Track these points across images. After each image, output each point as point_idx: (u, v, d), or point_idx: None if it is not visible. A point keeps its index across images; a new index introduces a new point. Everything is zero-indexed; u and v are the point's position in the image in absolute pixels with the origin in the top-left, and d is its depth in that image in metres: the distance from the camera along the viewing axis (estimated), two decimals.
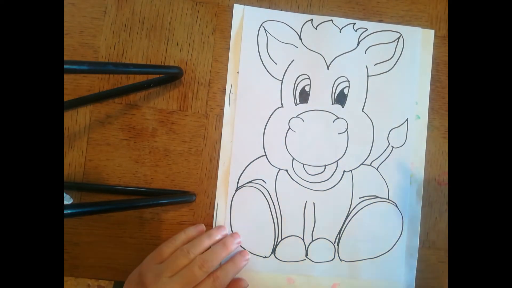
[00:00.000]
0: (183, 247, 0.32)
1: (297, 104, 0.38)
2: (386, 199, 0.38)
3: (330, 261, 0.37)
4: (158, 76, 0.37)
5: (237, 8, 0.38)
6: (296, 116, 0.38)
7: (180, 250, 0.32)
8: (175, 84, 0.38)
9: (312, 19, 0.38)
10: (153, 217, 0.37)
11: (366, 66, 0.38)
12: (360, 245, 0.37)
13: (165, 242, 0.33)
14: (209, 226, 0.37)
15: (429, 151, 0.38)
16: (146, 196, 0.37)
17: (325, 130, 0.38)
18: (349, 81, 0.38)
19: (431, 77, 0.39)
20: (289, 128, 0.38)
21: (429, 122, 0.38)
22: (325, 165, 0.38)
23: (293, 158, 0.38)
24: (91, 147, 0.37)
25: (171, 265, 0.30)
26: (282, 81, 0.38)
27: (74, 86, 0.37)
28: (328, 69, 0.38)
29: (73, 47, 0.37)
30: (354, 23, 0.39)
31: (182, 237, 0.34)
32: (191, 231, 0.35)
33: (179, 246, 0.33)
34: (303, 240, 0.37)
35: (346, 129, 0.38)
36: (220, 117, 0.38)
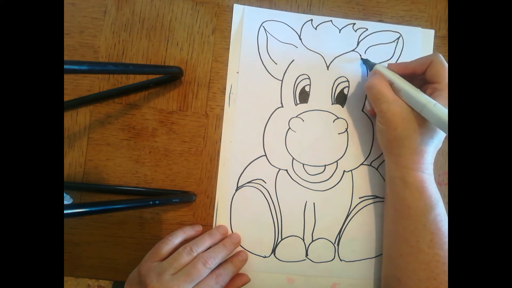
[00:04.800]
0: (186, 245, 0.32)
1: (297, 104, 0.38)
2: None
3: (330, 261, 0.37)
4: (158, 76, 0.37)
5: (237, 8, 0.38)
6: (296, 116, 0.38)
7: (183, 248, 0.32)
8: (175, 84, 0.38)
9: (312, 19, 0.38)
10: (153, 217, 0.37)
11: (366, 66, 0.38)
12: (360, 245, 0.37)
13: (162, 240, 0.33)
14: (209, 226, 0.37)
15: None
16: (146, 196, 0.37)
17: (325, 130, 0.38)
18: (348, 81, 0.38)
19: None
20: (289, 128, 0.38)
21: None
22: (325, 165, 0.38)
23: (293, 158, 0.38)
24: (91, 147, 0.37)
25: (173, 263, 0.30)
26: (282, 81, 0.38)
27: (74, 86, 0.37)
28: (328, 69, 0.38)
29: (73, 47, 0.37)
30: (354, 24, 0.39)
31: (179, 235, 0.34)
32: (189, 230, 0.35)
33: (177, 244, 0.33)
34: (303, 240, 0.37)
35: (346, 129, 0.38)
36: (220, 117, 0.38)
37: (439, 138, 0.32)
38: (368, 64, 0.37)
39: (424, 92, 0.31)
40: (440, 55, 0.32)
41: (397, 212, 0.33)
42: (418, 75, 0.33)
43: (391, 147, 0.33)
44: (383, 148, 0.35)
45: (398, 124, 0.31)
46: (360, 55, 0.38)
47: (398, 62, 0.38)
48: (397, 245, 0.33)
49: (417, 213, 0.31)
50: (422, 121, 0.30)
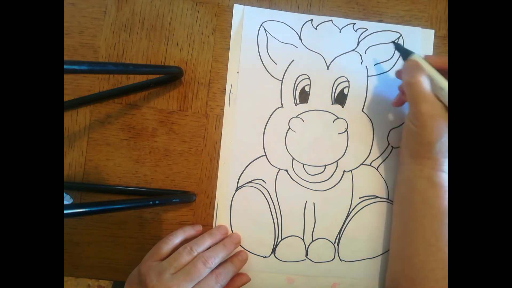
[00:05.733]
0: (186, 245, 0.32)
1: (297, 104, 0.38)
2: (386, 199, 0.38)
3: (330, 261, 0.37)
4: (158, 76, 0.37)
5: (237, 8, 0.38)
6: (296, 116, 0.38)
7: (183, 248, 0.32)
8: (175, 84, 0.38)
9: (312, 19, 0.38)
10: (153, 217, 0.37)
11: (366, 66, 0.38)
12: (360, 245, 0.37)
13: (162, 239, 0.33)
14: (209, 226, 0.37)
15: None
16: (146, 196, 0.37)
17: (325, 130, 0.38)
18: (349, 81, 0.38)
19: None
20: (289, 128, 0.38)
21: None
22: (325, 165, 0.38)
23: (293, 158, 0.38)
24: (91, 147, 0.37)
25: (174, 262, 0.31)
26: (282, 81, 0.38)
27: (74, 86, 0.37)
28: (328, 69, 0.38)
29: (73, 47, 0.37)
30: (354, 23, 0.39)
31: (180, 235, 0.34)
32: (189, 230, 0.35)
33: (177, 244, 0.33)
34: (303, 240, 0.37)
35: (346, 129, 0.38)
36: (220, 117, 0.38)
37: None
38: (401, 51, 0.34)
39: None
40: None
41: (418, 211, 0.32)
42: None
43: (421, 150, 0.32)
44: (409, 150, 0.33)
45: (433, 128, 0.30)
46: (394, 41, 0.37)
47: (396, 65, 0.38)
48: (413, 245, 0.32)
49: (440, 212, 0.31)
50: None
